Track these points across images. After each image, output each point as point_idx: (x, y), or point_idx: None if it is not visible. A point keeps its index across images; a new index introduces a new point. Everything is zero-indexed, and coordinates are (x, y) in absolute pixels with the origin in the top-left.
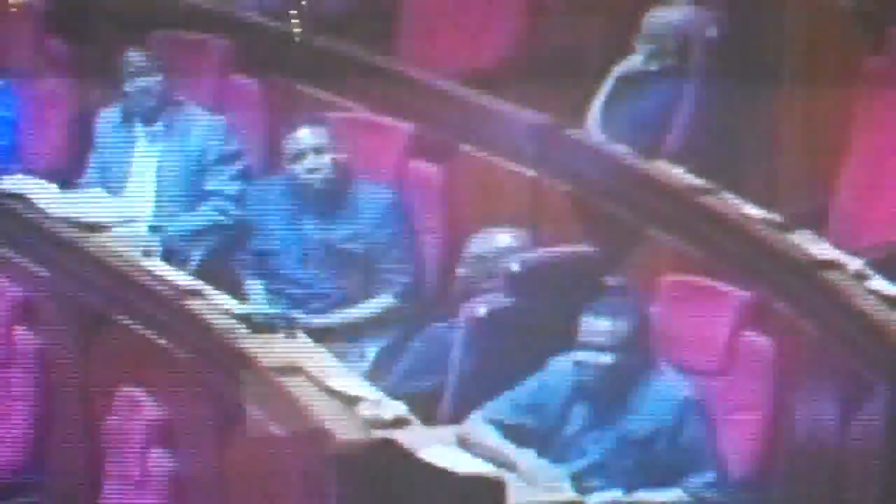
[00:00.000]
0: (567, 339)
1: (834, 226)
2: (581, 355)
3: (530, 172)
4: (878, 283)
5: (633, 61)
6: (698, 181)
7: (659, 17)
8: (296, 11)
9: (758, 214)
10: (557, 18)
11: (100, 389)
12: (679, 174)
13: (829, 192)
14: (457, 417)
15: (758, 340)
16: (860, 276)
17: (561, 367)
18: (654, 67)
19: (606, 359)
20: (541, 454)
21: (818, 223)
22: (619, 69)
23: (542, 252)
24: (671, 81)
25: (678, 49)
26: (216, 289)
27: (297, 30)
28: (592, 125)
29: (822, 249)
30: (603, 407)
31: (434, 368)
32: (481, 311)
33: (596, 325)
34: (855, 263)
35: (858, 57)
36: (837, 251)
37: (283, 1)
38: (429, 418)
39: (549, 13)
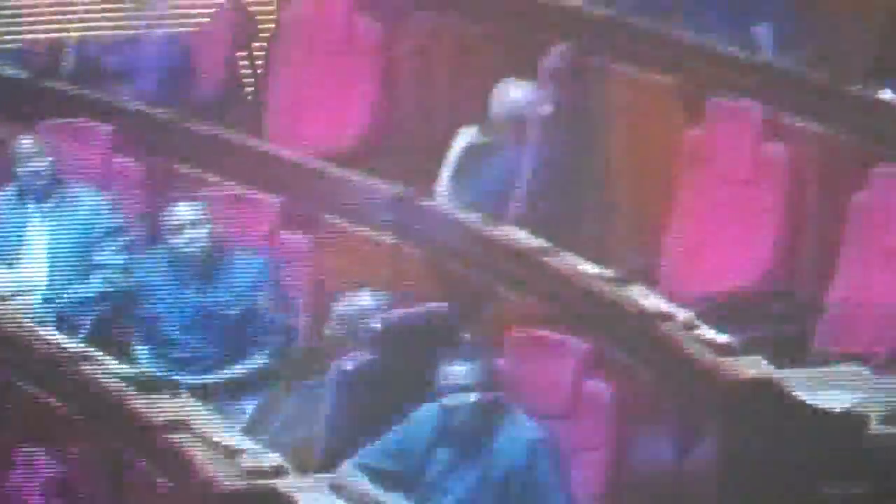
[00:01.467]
0: (426, 389)
1: (664, 280)
2: (446, 400)
3: (389, 239)
4: (705, 332)
5: (474, 133)
6: (540, 242)
7: (501, 95)
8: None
9: (594, 271)
10: (409, 94)
11: (1, 448)
12: (523, 237)
13: (658, 249)
14: (329, 465)
15: (598, 385)
16: (689, 326)
17: (422, 415)
18: (493, 139)
19: (469, 397)
20: (407, 497)
21: (649, 278)
22: (461, 139)
23: (401, 311)
24: (512, 151)
25: (516, 123)
26: (106, 353)
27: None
28: (443, 192)
29: (653, 302)
30: (464, 449)
31: (308, 421)
32: (348, 366)
33: (455, 370)
34: (684, 314)
35: (681, 127)
36: (668, 303)
37: (160, 90)
38: (304, 467)
39: (400, 89)
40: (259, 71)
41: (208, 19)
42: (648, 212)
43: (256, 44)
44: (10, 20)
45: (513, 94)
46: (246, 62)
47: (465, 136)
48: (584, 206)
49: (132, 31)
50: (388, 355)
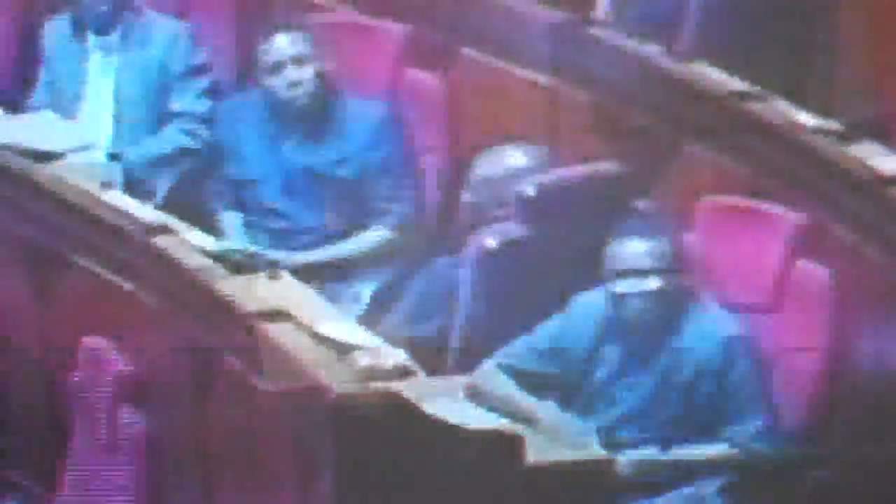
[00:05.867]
0: (591, 273)
1: None
2: (622, 286)
3: (545, 79)
4: None
5: None
6: (741, 85)
7: None
8: None
9: (813, 123)
10: None
11: (61, 341)
12: (716, 76)
13: (894, 98)
14: (466, 366)
15: (814, 270)
16: None
17: (586, 304)
18: None
19: (653, 283)
20: (564, 406)
21: (884, 133)
22: None
23: (561, 172)
24: None
25: None
26: (187, 224)
27: None
28: (603, 18)
29: (887, 163)
30: (639, 348)
31: (439, 310)
32: (491, 242)
33: (631, 250)
34: None
35: None
36: None
37: None
38: (434, 367)
39: None
40: None
41: None
42: (883, 49)
43: None
44: None
45: None
46: None
47: None
48: (795, 39)
49: None
50: (544, 228)
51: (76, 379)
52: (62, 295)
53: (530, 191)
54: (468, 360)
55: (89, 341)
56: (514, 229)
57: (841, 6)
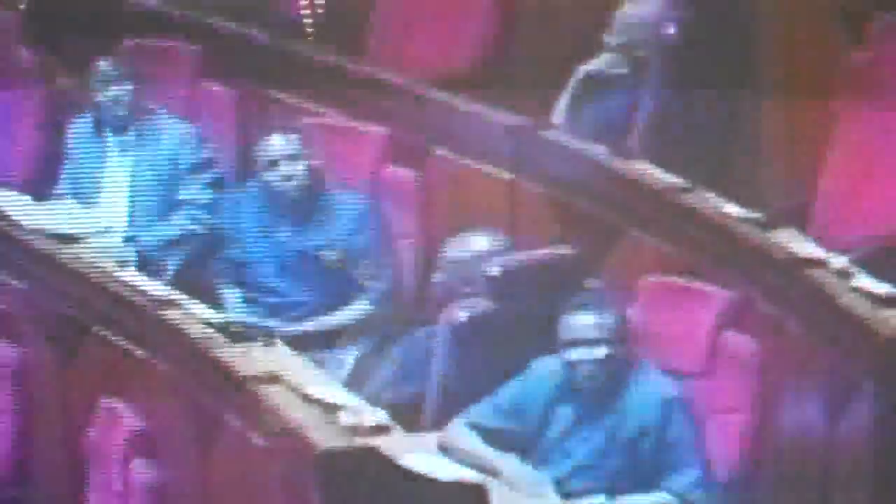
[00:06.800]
0: (547, 342)
1: (816, 223)
2: (574, 353)
3: (506, 174)
4: (863, 281)
5: (599, 60)
6: (676, 180)
7: (626, 15)
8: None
9: (738, 213)
10: (527, 18)
11: (80, 402)
12: (657, 173)
13: (810, 189)
14: (439, 424)
15: (741, 340)
16: (844, 274)
17: (543, 368)
18: (619, 66)
19: (601, 352)
20: (524, 458)
21: (800, 221)
22: (584, 68)
23: (521, 255)
24: (639, 80)
25: (645, 46)
26: (192, 298)
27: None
28: (560, 123)
29: (804, 247)
30: (589, 407)
31: (415, 375)
32: (461, 316)
33: (582, 322)
34: (838, 261)
35: (836, 52)
36: (820, 249)
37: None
38: (411, 426)
39: (519, 13)
40: None
41: None
42: (801, 147)
43: None
44: None
45: (634, 14)
46: None
47: (584, 68)
48: (726, 139)
49: None
50: (507, 303)
51: (93, 435)
52: (82, 360)
53: (495, 271)
54: (442, 420)
55: (106, 402)
56: (481, 304)
57: (762, 114)
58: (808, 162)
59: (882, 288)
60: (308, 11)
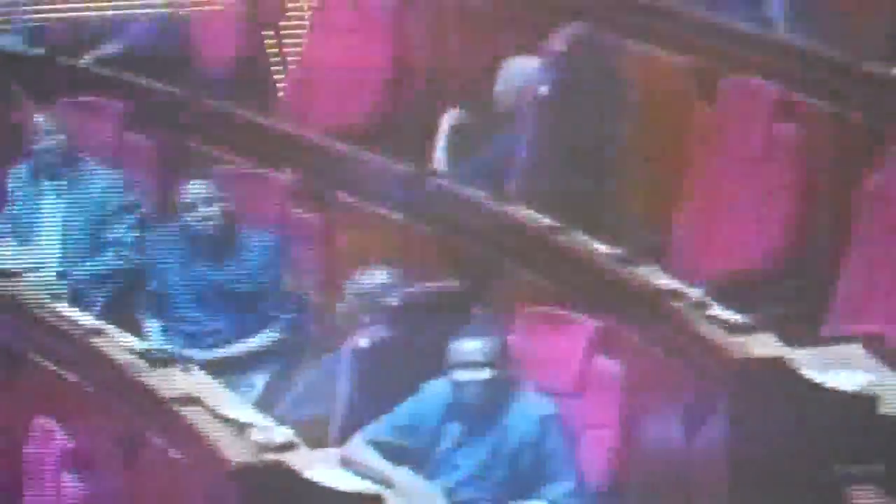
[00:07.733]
0: (438, 365)
1: (675, 259)
2: (459, 375)
3: (399, 216)
4: (716, 310)
5: (458, 114)
6: (550, 221)
7: (506, 73)
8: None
9: (606, 250)
10: (417, 74)
11: (17, 421)
12: (533, 215)
13: (669, 228)
14: (343, 441)
15: (608, 364)
16: (700, 305)
17: (434, 389)
18: (485, 118)
19: (482, 374)
20: (416, 471)
21: (659, 257)
22: (447, 121)
23: (415, 287)
24: (510, 129)
25: (519, 102)
26: (118, 328)
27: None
28: (442, 170)
29: (664, 281)
30: (475, 424)
31: (320, 397)
32: (363, 342)
33: (468, 347)
34: (695, 293)
35: (691, 105)
36: (679, 282)
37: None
38: (316, 443)
39: (410, 71)
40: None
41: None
42: (660, 190)
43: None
44: None
45: (517, 72)
46: (272, 40)
47: (451, 118)
48: (592, 184)
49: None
50: (405, 331)
51: (29, 452)
52: (20, 384)
53: (394, 302)
54: (346, 437)
55: (40, 421)
56: (381, 332)
57: (627, 160)
58: (665, 206)
59: (733, 316)
60: (224, 70)
